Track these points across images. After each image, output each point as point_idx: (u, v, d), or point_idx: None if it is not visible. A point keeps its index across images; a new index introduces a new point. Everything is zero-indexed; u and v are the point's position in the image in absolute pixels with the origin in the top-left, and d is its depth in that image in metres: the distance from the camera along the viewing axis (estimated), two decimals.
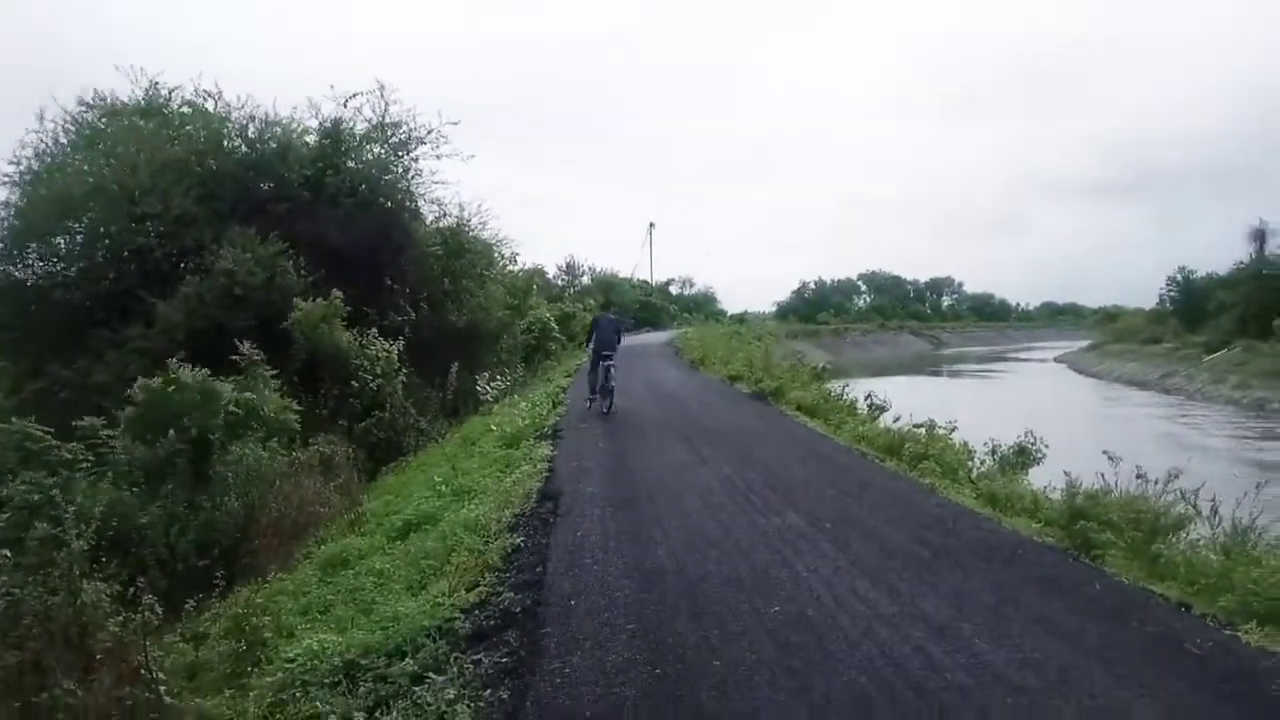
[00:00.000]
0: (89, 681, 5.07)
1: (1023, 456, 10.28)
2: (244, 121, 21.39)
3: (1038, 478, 9.55)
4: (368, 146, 22.16)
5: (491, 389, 20.24)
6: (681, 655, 4.82)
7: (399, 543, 8.35)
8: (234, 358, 14.03)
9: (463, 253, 23.48)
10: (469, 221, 24.10)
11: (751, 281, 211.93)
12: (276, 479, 11.14)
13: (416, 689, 4.71)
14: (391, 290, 20.79)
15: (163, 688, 5.07)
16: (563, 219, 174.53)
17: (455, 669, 4.90)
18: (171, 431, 10.96)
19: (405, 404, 17.31)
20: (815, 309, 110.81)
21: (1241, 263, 51.61)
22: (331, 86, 26.87)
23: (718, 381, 22.30)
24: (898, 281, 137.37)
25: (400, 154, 22.47)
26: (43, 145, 19.48)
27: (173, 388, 11.39)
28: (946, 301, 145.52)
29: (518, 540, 7.40)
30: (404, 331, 19.29)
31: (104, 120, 20.32)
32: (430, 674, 4.84)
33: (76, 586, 5.75)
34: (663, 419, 15.02)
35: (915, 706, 4.14)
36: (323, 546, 9.07)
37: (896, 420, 13.00)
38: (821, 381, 20.38)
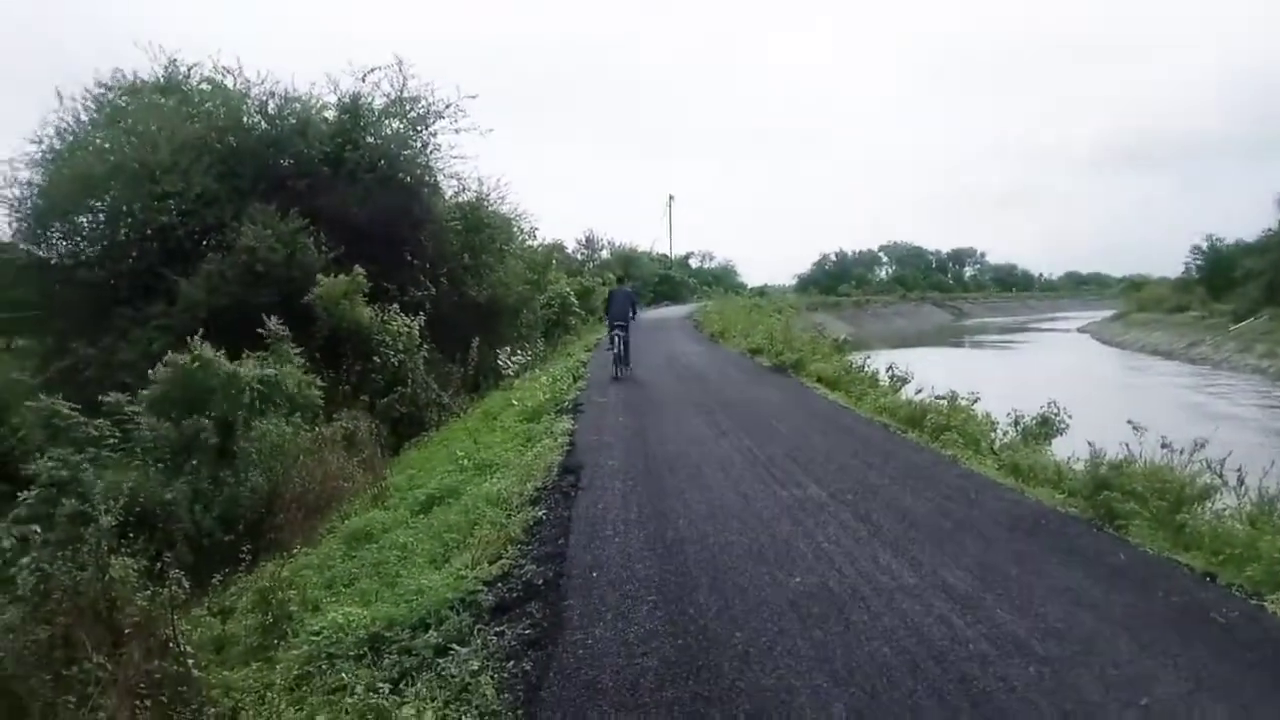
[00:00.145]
0: (118, 655, 5.14)
1: (1045, 427, 10.20)
2: (263, 98, 21.31)
3: (1061, 448, 9.47)
4: (386, 121, 22.05)
5: (512, 363, 20.27)
6: (703, 627, 4.83)
7: (422, 516, 8.40)
8: (259, 331, 14.12)
9: (482, 227, 23.38)
10: (488, 196, 24.01)
11: (772, 254, 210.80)
12: (300, 454, 11.21)
13: (440, 661, 4.76)
14: (411, 265, 20.75)
15: (190, 661, 5.14)
16: (583, 192, 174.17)
17: (479, 641, 4.94)
18: (197, 417, 11.02)
19: (427, 379, 17.34)
20: (836, 281, 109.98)
21: (1269, 229, 50.71)
22: (349, 62, 26.71)
23: (738, 355, 22.23)
24: (919, 252, 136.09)
25: (419, 129, 22.33)
26: (64, 124, 19.52)
27: (196, 364, 11.45)
28: (969, 272, 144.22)
29: (539, 513, 7.44)
30: (424, 307, 19.29)
31: (124, 98, 20.28)
32: (454, 646, 4.89)
33: (105, 562, 5.83)
34: (683, 392, 15.01)
35: (937, 676, 4.14)
36: (347, 521, 9.14)
37: (918, 392, 12.94)
38: (842, 353, 20.30)
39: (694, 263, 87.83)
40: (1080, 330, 65.82)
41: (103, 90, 20.19)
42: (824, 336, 24.13)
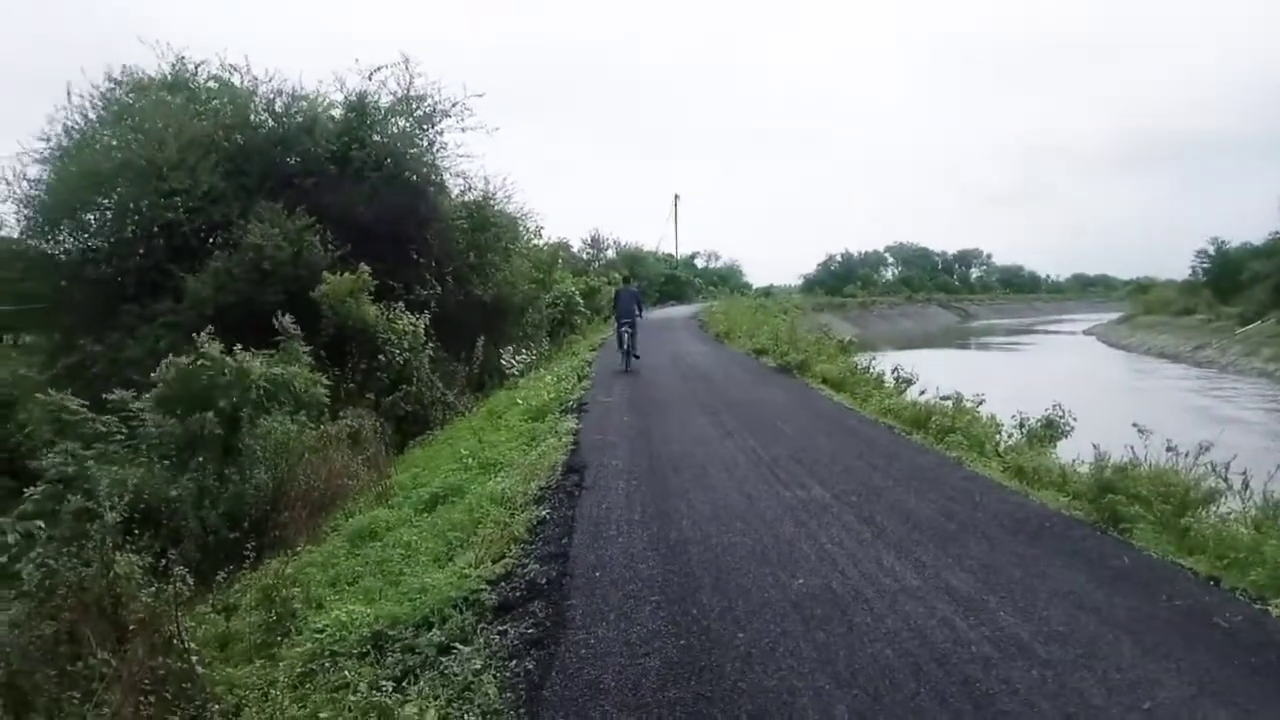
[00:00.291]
0: (122, 651, 5.15)
1: (1050, 430, 10.17)
2: (270, 96, 21.32)
3: (1066, 451, 9.46)
4: (393, 120, 22.05)
5: (517, 363, 20.30)
6: (706, 627, 4.84)
7: (426, 515, 8.42)
8: (268, 328, 14.16)
9: (488, 226, 23.37)
10: (494, 195, 24.01)
11: (778, 254, 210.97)
12: (305, 452, 11.22)
13: (443, 659, 4.78)
14: (417, 264, 20.77)
15: (195, 657, 5.14)
16: (588, 192, 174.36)
17: (482, 640, 4.96)
18: (206, 413, 11.03)
19: (432, 377, 17.37)
20: (842, 281, 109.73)
21: (1276, 232, 50.61)
22: (356, 60, 26.77)
23: (743, 355, 22.23)
24: (926, 253, 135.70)
25: (425, 127, 22.33)
26: (72, 121, 19.55)
27: (201, 362, 11.47)
28: (975, 273, 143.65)
29: (543, 513, 7.45)
30: (430, 305, 19.32)
31: (131, 95, 20.31)
32: (457, 645, 4.90)
33: (110, 558, 5.83)
34: (687, 392, 15.02)
35: (940, 678, 4.14)
36: (351, 519, 9.15)
37: (923, 393, 12.92)
38: (848, 354, 20.29)
39: (700, 262, 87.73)
40: (1086, 332, 65.66)
41: (111, 86, 20.22)
42: (829, 337, 24.07)
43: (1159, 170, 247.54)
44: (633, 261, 60.86)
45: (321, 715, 4.42)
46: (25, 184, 18.86)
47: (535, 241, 28.56)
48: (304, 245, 17.92)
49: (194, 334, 12.18)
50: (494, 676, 4.45)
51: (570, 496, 7.99)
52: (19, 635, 5.44)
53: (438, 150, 22.69)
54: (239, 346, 11.96)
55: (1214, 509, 6.78)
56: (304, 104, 21.17)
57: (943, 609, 5.00)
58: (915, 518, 6.95)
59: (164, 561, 6.41)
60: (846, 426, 11.55)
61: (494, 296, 22.86)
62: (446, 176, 23.21)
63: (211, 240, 18.89)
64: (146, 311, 17.41)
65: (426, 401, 16.83)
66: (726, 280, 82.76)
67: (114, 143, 19.10)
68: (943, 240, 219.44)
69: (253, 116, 21.00)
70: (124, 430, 11.04)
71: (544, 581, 5.77)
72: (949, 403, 11.65)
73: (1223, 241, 59.45)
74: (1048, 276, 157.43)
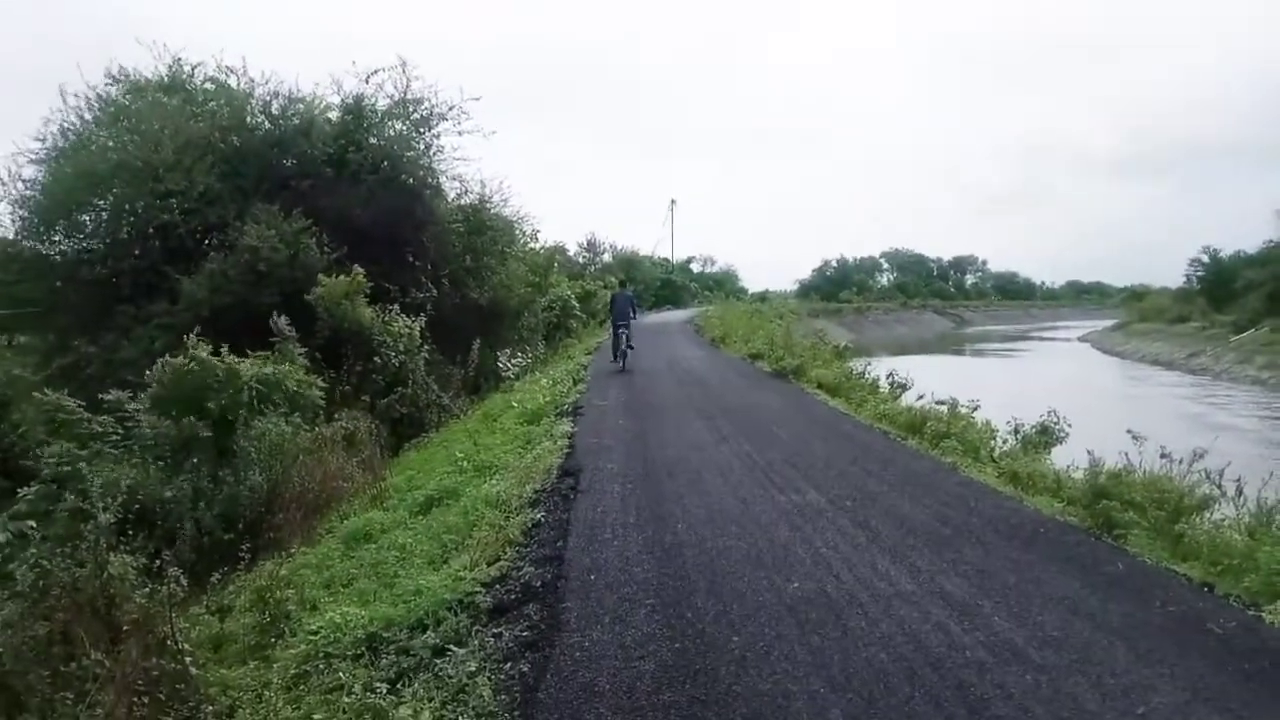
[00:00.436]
0: (116, 652, 5.14)
1: (1045, 436, 10.18)
2: (267, 98, 21.32)
3: (1060, 457, 9.47)
4: (389, 123, 22.04)
5: (513, 366, 20.34)
6: (700, 631, 4.84)
7: (421, 517, 8.41)
8: (263, 330, 14.15)
9: (484, 229, 23.37)
10: (490, 198, 24.01)
11: (774, 259, 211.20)
12: (300, 454, 11.20)
13: (438, 661, 4.78)
14: (413, 267, 20.78)
15: (188, 658, 5.13)
16: (585, 193, 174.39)
17: (476, 642, 4.96)
18: (192, 419, 11.00)
19: (427, 380, 17.35)
20: (838, 287, 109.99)
21: (1271, 241, 50.83)
22: (353, 62, 26.71)
23: (738, 360, 22.25)
24: (921, 259, 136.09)
25: (422, 130, 22.34)
26: (68, 122, 19.53)
27: (193, 363, 11.45)
28: (970, 280, 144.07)
29: (538, 515, 7.45)
30: (426, 308, 19.29)
31: (127, 96, 20.30)
32: (451, 647, 4.90)
33: (104, 559, 5.82)
34: (683, 397, 15.02)
35: (935, 683, 4.15)
36: (346, 521, 9.14)
37: (919, 399, 12.94)
38: (843, 360, 20.29)
39: (695, 267, 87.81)
40: (1081, 339, 65.85)
41: (108, 85, 20.20)
42: (824, 343, 24.06)
43: (1157, 174, 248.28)
44: (629, 265, 61.05)
45: (315, 717, 4.41)
46: (21, 185, 18.83)
47: (531, 245, 28.58)
48: (300, 247, 17.90)
49: (189, 335, 12.16)
50: (489, 679, 4.45)
51: (565, 500, 7.99)
52: (12, 635, 5.41)
53: (434, 153, 22.72)
54: (226, 349, 11.94)
55: (1208, 516, 6.79)
56: (301, 106, 21.17)
57: (937, 614, 5.00)
58: (910, 523, 6.96)
59: (158, 562, 6.38)
60: (841, 432, 11.55)
61: (490, 300, 22.87)
62: (443, 179, 23.24)
63: (207, 242, 18.86)
64: (142, 313, 17.37)
65: (422, 404, 16.81)
66: (722, 285, 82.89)
67: (110, 144, 19.07)
68: (939, 244, 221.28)
69: (249, 118, 20.99)
70: (119, 431, 11.02)
71: (539, 584, 5.77)
72: (944, 408, 11.67)
73: (1216, 250, 59.79)
74: (1043, 283, 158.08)
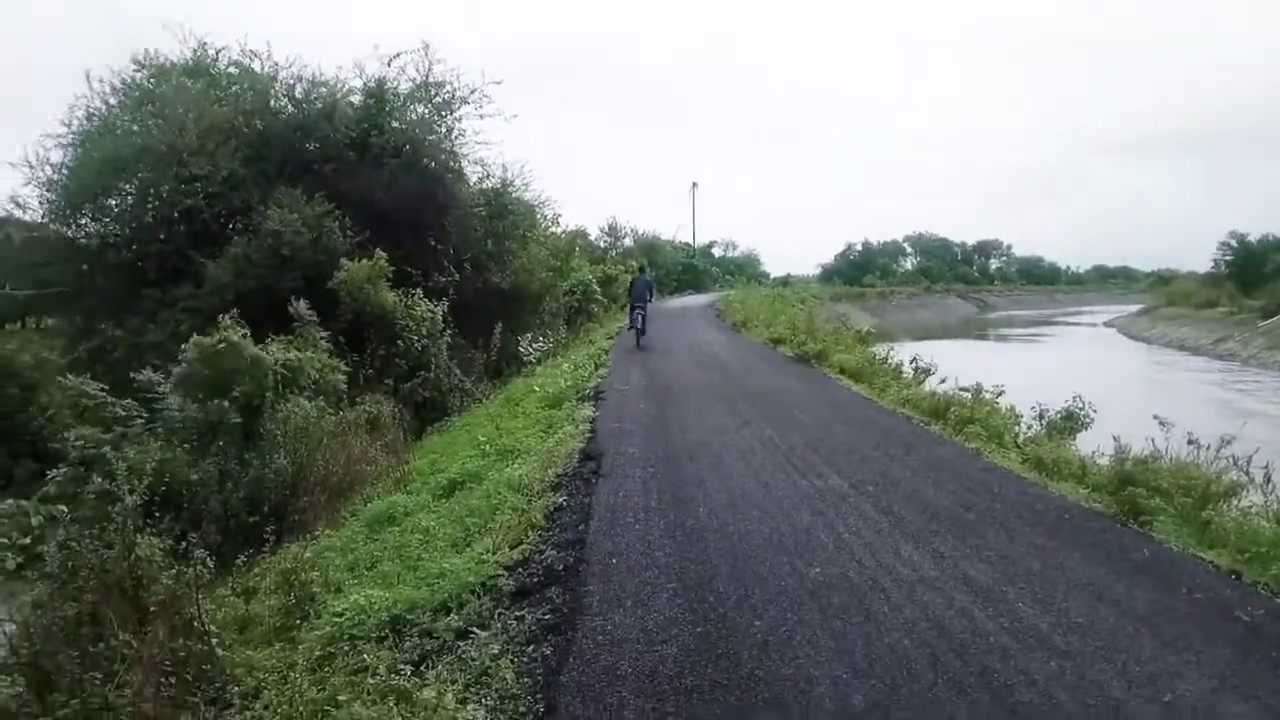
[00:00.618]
0: (143, 633, 5.20)
1: (1070, 421, 10.11)
2: (290, 82, 21.42)
3: (1085, 443, 9.40)
4: (411, 106, 22.05)
5: (534, 350, 20.36)
6: (723, 615, 4.84)
7: (444, 501, 8.45)
8: (287, 314, 14.25)
9: (506, 214, 23.38)
10: (512, 182, 24.01)
11: (796, 244, 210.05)
12: (324, 437, 11.28)
13: (461, 644, 4.80)
14: (435, 251, 20.81)
15: (214, 640, 5.19)
16: (606, 178, 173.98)
17: (499, 625, 4.98)
18: (219, 401, 11.09)
19: (450, 364, 17.42)
20: (861, 271, 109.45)
21: None
22: (376, 46, 26.76)
23: (760, 344, 22.17)
24: (945, 244, 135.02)
25: (444, 114, 22.33)
26: (93, 106, 19.69)
27: (223, 345, 11.53)
28: (994, 264, 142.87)
29: (560, 499, 7.46)
30: (448, 292, 19.36)
31: (152, 80, 20.43)
32: (475, 629, 4.93)
33: (131, 541, 5.88)
34: (704, 381, 14.99)
35: (958, 669, 4.13)
36: (370, 504, 9.20)
37: (942, 384, 12.86)
38: (866, 345, 20.21)
39: (717, 251, 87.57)
40: (1107, 325, 65.26)
41: (133, 69, 20.33)
42: (847, 327, 23.97)
43: (1184, 157, 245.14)
44: (650, 250, 60.91)
45: (340, 698, 4.44)
46: (48, 169, 19.03)
47: (553, 229, 28.58)
48: (323, 231, 18.00)
49: (214, 319, 12.25)
50: (511, 661, 4.47)
51: (587, 483, 7.99)
52: (42, 616, 5.51)
53: (456, 137, 22.72)
54: (246, 333, 12.01)
55: (1236, 503, 6.73)
56: (323, 90, 21.24)
57: (961, 599, 4.98)
58: (933, 508, 6.92)
59: (184, 544, 6.45)
60: (864, 416, 11.50)
61: (511, 284, 22.91)
62: (465, 163, 23.26)
63: (231, 226, 19.00)
64: (167, 296, 17.54)
65: (444, 388, 16.88)
66: (744, 269, 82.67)
67: (135, 128, 19.23)
68: (962, 231, 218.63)
69: (273, 102, 21.09)
70: (144, 414, 11.12)
71: (561, 568, 5.78)
72: (968, 394, 11.60)
73: (1244, 235, 59.05)
74: (1068, 268, 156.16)
